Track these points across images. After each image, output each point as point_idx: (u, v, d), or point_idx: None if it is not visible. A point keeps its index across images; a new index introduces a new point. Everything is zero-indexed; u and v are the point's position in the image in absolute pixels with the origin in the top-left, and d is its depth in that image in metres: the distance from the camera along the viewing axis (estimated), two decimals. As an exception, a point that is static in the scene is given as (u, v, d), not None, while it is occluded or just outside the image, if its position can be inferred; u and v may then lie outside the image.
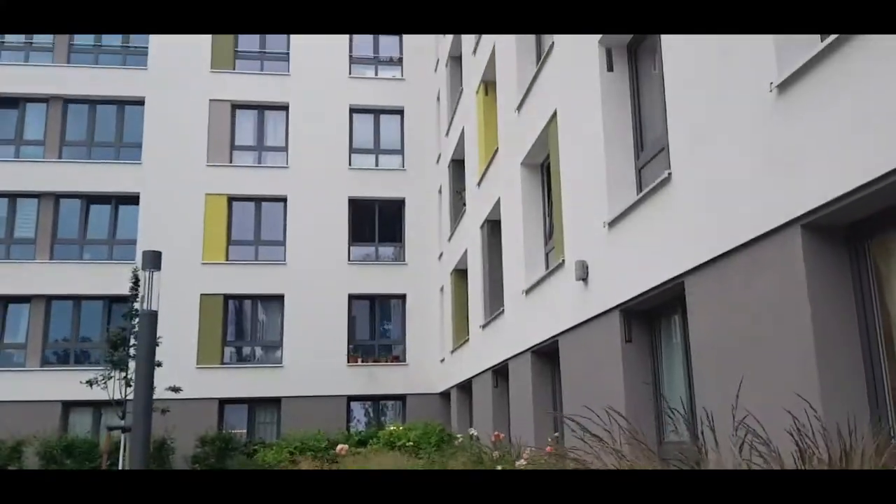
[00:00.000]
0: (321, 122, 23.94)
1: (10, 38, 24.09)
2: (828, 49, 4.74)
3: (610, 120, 8.79)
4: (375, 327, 24.00)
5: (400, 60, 25.45)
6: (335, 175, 23.66)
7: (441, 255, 22.57)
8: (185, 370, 20.08)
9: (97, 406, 20.53)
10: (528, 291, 12.18)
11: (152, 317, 8.03)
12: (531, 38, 13.15)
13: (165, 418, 16.91)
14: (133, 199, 22.95)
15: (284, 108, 24.17)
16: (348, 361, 22.65)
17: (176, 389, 16.99)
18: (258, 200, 23.63)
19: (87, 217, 23.30)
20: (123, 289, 18.28)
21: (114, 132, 23.82)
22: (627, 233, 8.19)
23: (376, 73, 25.56)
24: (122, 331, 17.35)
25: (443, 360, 21.84)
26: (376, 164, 24.66)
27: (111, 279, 21.19)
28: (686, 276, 6.80)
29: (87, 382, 17.11)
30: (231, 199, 23.37)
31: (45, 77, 23.43)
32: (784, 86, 5.24)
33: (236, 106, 24.08)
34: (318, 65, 24.37)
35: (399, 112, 24.89)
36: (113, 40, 24.44)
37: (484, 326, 15.69)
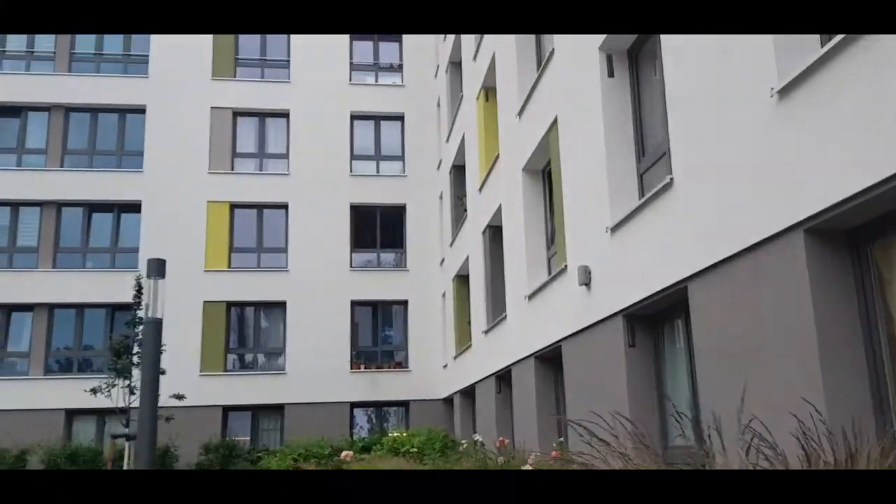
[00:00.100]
0: (322, 129, 24.00)
1: (12, 47, 24.18)
2: (828, 55, 4.78)
3: (611, 125, 8.83)
4: (378, 333, 24.01)
5: (400, 67, 25.52)
6: (336, 181, 23.72)
7: (443, 260, 22.59)
8: (188, 378, 20.09)
9: (101, 414, 20.56)
10: (530, 297, 12.20)
11: (157, 325, 8.06)
12: (531, 44, 13.20)
13: (169, 426, 16.86)
14: (135, 207, 23.00)
15: (285, 115, 24.23)
16: (351, 368, 22.66)
17: (179, 397, 16.97)
18: (260, 207, 23.68)
19: (89, 225, 23.34)
20: (126, 297, 18.33)
21: (115, 140, 23.89)
22: (630, 238, 8.22)
23: (376, 80, 25.62)
24: (125, 339, 17.36)
25: (445, 366, 21.84)
26: (377, 171, 24.72)
27: (114, 287, 21.24)
28: (689, 281, 6.83)
29: (90, 391, 17.12)
30: (233, 207, 23.42)
31: (47, 86, 23.51)
32: (785, 91, 5.27)
33: (237, 113, 24.15)
34: (319, 72, 24.44)
35: (399, 118, 24.95)
36: (114, 48, 24.53)
37: (486, 332, 15.70)
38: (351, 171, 24.12)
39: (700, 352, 6.70)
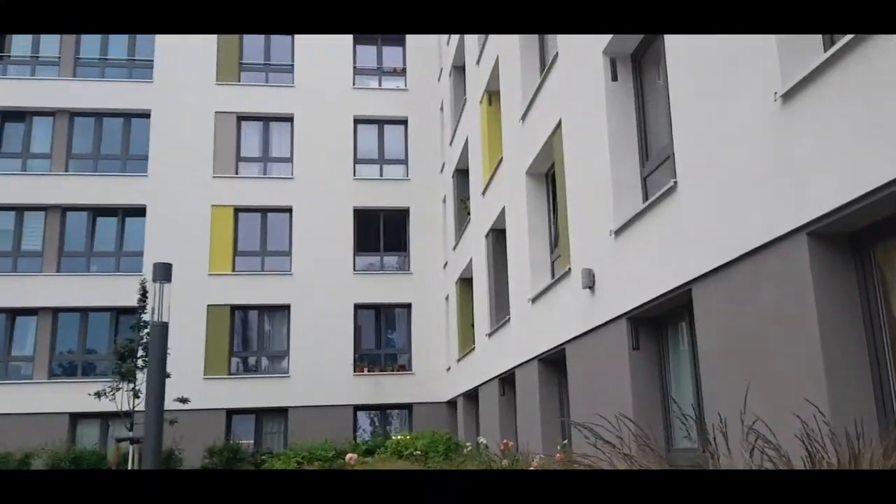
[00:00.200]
0: (326, 133, 24.07)
1: (17, 52, 24.29)
2: (831, 59, 4.81)
3: (615, 129, 8.86)
4: (381, 336, 24.05)
5: (403, 71, 25.59)
6: (340, 185, 23.79)
7: (446, 264, 22.63)
8: (192, 381, 20.14)
9: (105, 418, 20.61)
10: (534, 300, 12.23)
11: (163, 328, 8.12)
12: (535, 48, 13.24)
13: (173, 429, 16.96)
14: (139, 211, 23.08)
15: (289, 119, 24.31)
16: (354, 371, 22.69)
17: (184, 400, 17.04)
18: (264, 211, 23.75)
19: (93, 229, 23.42)
20: (130, 301, 18.39)
21: (120, 145, 23.98)
22: (634, 241, 8.25)
23: (380, 84, 25.70)
24: (129, 342, 17.43)
25: (449, 369, 21.87)
26: (381, 174, 24.79)
27: (118, 291, 21.30)
28: (693, 284, 6.86)
29: (94, 394, 17.19)
30: (237, 210, 23.50)
31: (52, 91, 23.61)
32: (788, 95, 5.31)
33: (241, 118, 24.23)
34: (322, 76, 24.52)
35: (403, 122, 25.03)
36: (119, 53, 24.63)
37: (490, 335, 15.73)
38: (354, 174, 24.19)
39: (704, 354, 6.73)
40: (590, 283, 9.40)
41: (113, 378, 17.69)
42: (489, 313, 15.83)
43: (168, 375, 11.48)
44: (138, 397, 16.11)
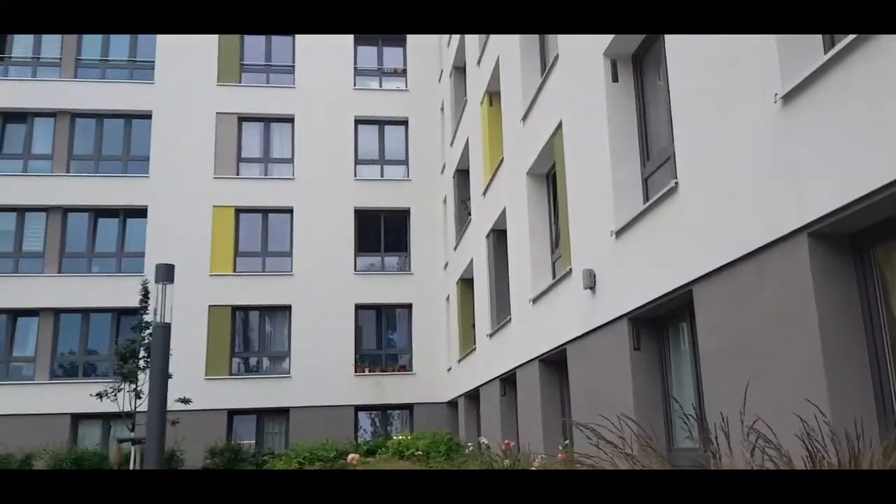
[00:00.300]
0: (326, 134, 24.10)
1: (18, 53, 24.32)
2: (831, 60, 4.82)
3: (616, 130, 8.87)
4: (382, 337, 24.06)
5: (404, 72, 25.61)
6: (341, 186, 23.81)
7: (446, 264, 22.65)
8: (193, 381, 20.15)
9: (106, 418, 20.63)
10: (535, 300, 12.24)
11: (166, 329, 8.13)
12: (535, 48, 13.25)
13: (175, 430, 16.96)
14: (141, 212, 23.11)
15: (290, 120, 24.34)
16: (355, 371, 22.71)
17: (185, 401, 17.05)
18: (265, 212, 23.78)
19: (94, 230, 23.45)
20: (132, 301, 18.41)
21: (121, 146, 24.00)
22: (635, 241, 8.26)
23: (381, 85, 25.73)
24: (131, 343, 17.45)
25: (449, 370, 21.88)
26: (381, 175, 24.80)
27: (119, 292, 21.34)
28: (694, 284, 6.87)
29: (96, 395, 17.20)
30: (238, 211, 23.52)
31: (53, 92, 23.64)
32: (789, 96, 5.32)
33: (242, 119, 24.26)
34: (323, 77, 24.55)
35: (403, 123, 25.05)
36: (120, 54, 24.66)
37: (491, 335, 15.74)
38: (355, 175, 24.21)
39: (705, 354, 6.74)
40: (591, 283, 9.41)
41: (114, 379, 17.70)
42: (490, 314, 15.84)
43: (170, 376, 11.53)
44: (140, 398, 16.12)
